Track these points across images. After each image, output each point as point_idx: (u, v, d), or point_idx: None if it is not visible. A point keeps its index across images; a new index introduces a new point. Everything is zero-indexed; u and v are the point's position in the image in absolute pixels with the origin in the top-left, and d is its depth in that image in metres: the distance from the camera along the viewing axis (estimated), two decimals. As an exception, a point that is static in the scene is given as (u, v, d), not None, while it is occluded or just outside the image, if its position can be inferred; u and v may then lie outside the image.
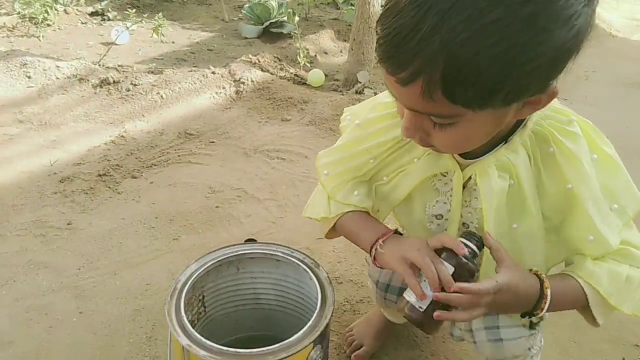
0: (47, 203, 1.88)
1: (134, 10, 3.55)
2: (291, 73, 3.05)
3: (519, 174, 0.78)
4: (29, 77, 2.80)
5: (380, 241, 0.90)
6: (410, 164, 0.89)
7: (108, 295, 1.47)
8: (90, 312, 1.41)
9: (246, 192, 1.99)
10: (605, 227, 0.77)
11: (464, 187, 0.85)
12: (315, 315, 0.97)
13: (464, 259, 0.78)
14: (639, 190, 0.81)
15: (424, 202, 0.92)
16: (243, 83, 2.77)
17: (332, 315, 0.97)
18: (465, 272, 0.78)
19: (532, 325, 0.94)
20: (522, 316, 0.83)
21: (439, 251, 0.81)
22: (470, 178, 0.83)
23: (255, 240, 1.20)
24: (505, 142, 0.78)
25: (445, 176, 0.87)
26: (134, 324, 1.37)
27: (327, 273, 1.08)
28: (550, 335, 1.40)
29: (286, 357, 0.88)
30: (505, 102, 0.61)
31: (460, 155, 0.82)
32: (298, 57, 3.14)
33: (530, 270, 0.82)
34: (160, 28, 3.12)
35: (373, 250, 0.91)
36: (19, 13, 3.88)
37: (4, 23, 3.74)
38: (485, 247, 0.80)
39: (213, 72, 2.84)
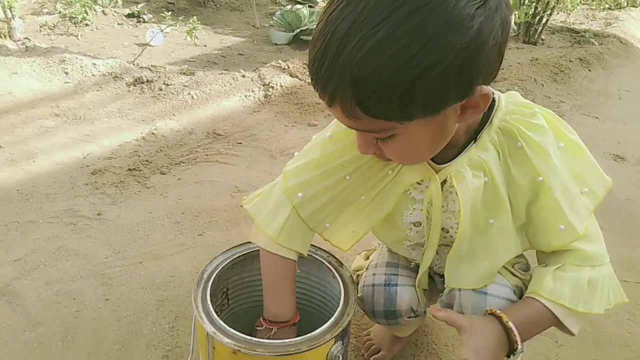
0: (78, 194, 1.94)
1: (169, 13, 3.65)
2: (319, 79, 3.08)
3: (491, 170, 0.80)
4: (67, 73, 2.90)
5: (276, 328, 0.99)
6: (386, 178, 0.90)
7: (133, 285, 1.50)
8: (115, 299, 1.44)
9: (271, 193, 2.01)
10: (574, 215, 0.81)
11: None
12: (338, 311, 0.98)
13: None
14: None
15: (401, 211, 0.94)
16: (272, 87, 2.82)
17: (354, 314, 0.98)
18: None
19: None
20: (507, 357, 0.83)
21: None
22: (445, 182, 0.85)
23: None
24: (475, 141, 0.80)
25: (420, 184, 0.89)
26: (157, 314, 1.40)
27: (350, 273, 1.09)
28: (572, 350, 1.38)
29: (307, 350, 0.89)
30: (427, 111, 0.63)
31: (432, 160, 0.83)
32: (327, 64, 3.18)
33: (486, 312, 0.85)
34: (194, 31, 3.20)
35: (266, 325, 1.00)
36: (60, 12, 4.03)
37: (46, 22, 3.88)
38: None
39: (243, 76, 2.90)
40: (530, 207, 0.83)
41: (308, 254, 1.11)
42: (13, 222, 1.76)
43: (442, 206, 0.88)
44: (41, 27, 3.84)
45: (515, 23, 4.54)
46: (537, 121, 0.79)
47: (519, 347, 0.80)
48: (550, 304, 0.82)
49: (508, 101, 0.81)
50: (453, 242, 0.88)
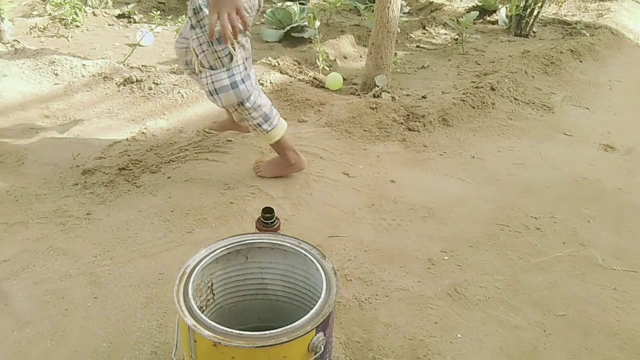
0: (68, 194, 1.94)
1: (158, 13, 3.64)
2: (310, 76, 3.08)
3: None
4: (56, 75, 2.89)
5: None
6: None
7: (122, 283, 1.51)
8: (104, 297, 1.45)
9: (260, 190, 2.02)
10: None
11: None
12: (319, 302, 0.98)
13: None
14: None
15: None
16: (262, 84, 2.81)
17: (335, 304, 0.99)
18: None
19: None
20: None
21: None
22: None
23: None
24: None
25: None
26: (145, 311, 1.41)
27: (332, 265, 1.09)
28: (560, 339, 1.39)
29: (288, 342, 0.89)
30: None
31: None
32: (317, 60, 3.18)
33: None
34: (183, 30, 3.20)
35: None
36: (50, 14, 4.02)
37: (36, 24, 3.87)
38: None
39: (233, 73, 2.89)
40: None
41: (292, 247, 1.12)
42: (2, 223, 1.76)
43: None
44: (31, 29, 3.83)
45: (506, 16, 4.54)
46: None
47: None
48: None
49: None
50: None
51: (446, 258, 1.66)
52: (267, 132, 1.83)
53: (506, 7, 4.55)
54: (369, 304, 1.47)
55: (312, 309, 1.19)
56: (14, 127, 2.44)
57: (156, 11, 4.24)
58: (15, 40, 3.25)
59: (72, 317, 1.38)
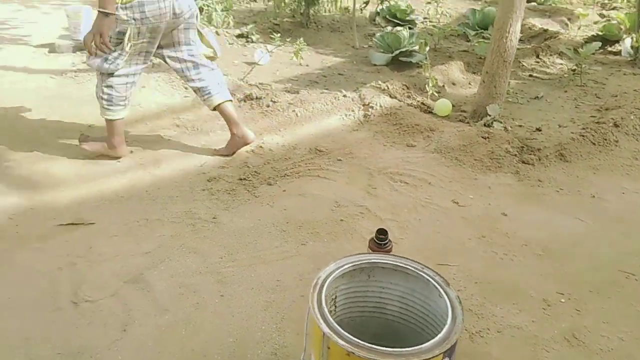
0: (196, 198, 2.15)
1: (277, 35, 3.89)
2: (418, 101, 3.12)
3: None
4: (186, 89, 3.21)
5: None
6: None
7: (244, 285, 1.64)
8: (229, 296, 1.59)
9: (369, 210, 2.09)
10: None
11: None
12: (445, 328, 1.02)
13: None
14: None
15: None
16: (372, 107, 2.91)
17: (461, 332, 1.01)
18: None
19: None
20: None
21: None
22: None
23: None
24: None
25: None
26: (265, 314, 1.52)
27: (456, 292, 1.12)
28: None
29: (418, 362, 0.94)
30: None
31: None
32: (426, 86, 3.21)
33: None
34: (300, 52, 3.40)
35: None
36: (180, 33, 4.45)
37: (169, 41, 4.32)
38: None
39: (344, 95, 3.02)
40: None
41: (414, 271, 1.16)
42: (143, 219, 1.99)
43: None
44: (165, 46, 4.28)
45: (631, 47, 4.26)
46: None
47: None
48: None
49: None
50: None
51: (563, 300, 1.60)
52: (103, 108, 2.30)
53: (632, 37, 4.26)
54: (480, 338, 1.47)
55: (427, 332, 1.23)
56: (150, 133, 2.75)
57: (272, 33, 4.52)
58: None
59: (203, 310, 1.53)
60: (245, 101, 3.04)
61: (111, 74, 2.21)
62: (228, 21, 4.66)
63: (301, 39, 3.57)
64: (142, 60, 2.28)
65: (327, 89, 3.43)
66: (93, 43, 1.99)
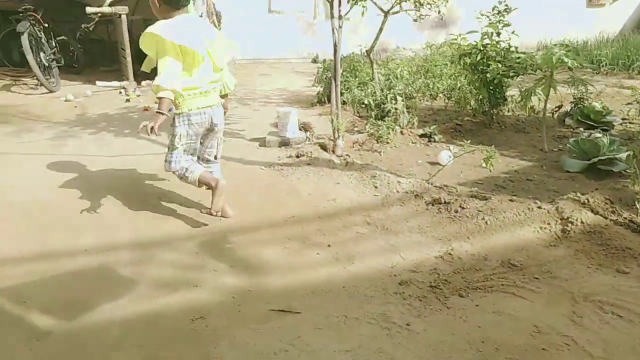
0: (389, 300, 2.25)
1: (468, 142, 3.97)
2: (626, 219, 2.85)
3: None
4: (376, 187, 3.46)
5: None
6: None
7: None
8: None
9: (575, 342, 1.93)
10: None
11: None
12: None
13: None
14: None
15: None
16: (571, 222, 2.75)
17: None
18: None
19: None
20: None
21: None
22: None
23: None
24: None
25: None
26: None
27: None
28: None
29: None
30: None
31: None
32: (636, 202, 2.93)
33: None
34: (491, 159, 3.43)
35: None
36: (367, 132, 4.86)
37: (358, 139, 4.75)
38: None
39: (539, 207, 2.92)
40: None
41: None
42: (342, 314, 2.15)
43: None
44: (353, 144, 4.70)
45: None
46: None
47: None
48: None
49: None
50: None
51: None
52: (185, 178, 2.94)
53: None
54: None
55: None
56: (343, 229, 3.00)
57: (454, 133, 4.66)
58: (347, 155, 4.04)
59: None
60: (432, 204, 3.14)
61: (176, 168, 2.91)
62: (413, 122, 4.95)
63: (492, 146, 3.60)
64: (191, 153, 2.94)
65: (515, 194, 3.36)
66: (148, 129, 2.59)
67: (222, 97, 3.01)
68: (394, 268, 2.53)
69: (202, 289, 2.36)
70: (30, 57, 5.95)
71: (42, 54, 6.26)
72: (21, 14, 6.20)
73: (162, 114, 2.59)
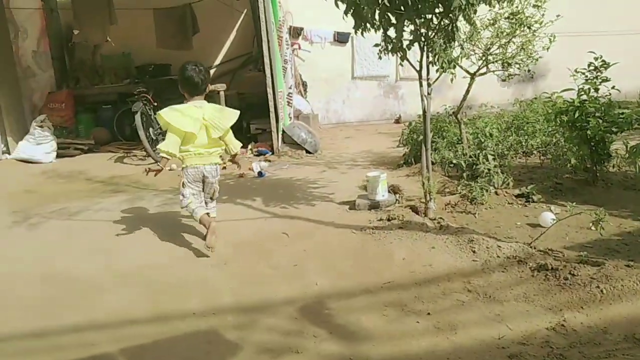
0: (500, 377, 2.11)
1: (562, 194, 3.76)
2: None
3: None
4: (474, 252, 3.34)
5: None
6: None
7: None
8: None
9: None
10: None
11: None
12: None
13: None
14: None
15: None
16: None
17: None
18: None
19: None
20: None
21: None
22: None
23: None
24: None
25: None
26: None
27: None
28: None
29: None
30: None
31: None
32: None
33: None
34: (601, 222, 3.20)
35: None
36: (460, 193, 4.77)
37: (450, 200, 4.66)
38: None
39: (664, 274, 2.65)
40: None
41: None
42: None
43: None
44: (445, 205, 4.62)
45: None
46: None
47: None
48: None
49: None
50: None
51: None
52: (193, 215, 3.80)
53: None
54: None
55: None
56: (442, 296, 2.90)
57: (554, 192, 4.42)
58: (441, 218, 3.98)
59: None
60: (538, 271, 2.96)
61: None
62: (508, 181, 4.79)
63: (602, 208, 3.37)
64: (198, 196, 3.78)
65: (632, 259, 3.08)
66: (154, 173, 3.69)
67: (233, 156, 3.96)
68: (501, 340, 2.39)
69: (304, 356, 2.38)
70: (141, 133, 6.68)
71: (150, 129, 7.00)
72: (136, 96, 7.05)
73: (160, 167, 3.73)
